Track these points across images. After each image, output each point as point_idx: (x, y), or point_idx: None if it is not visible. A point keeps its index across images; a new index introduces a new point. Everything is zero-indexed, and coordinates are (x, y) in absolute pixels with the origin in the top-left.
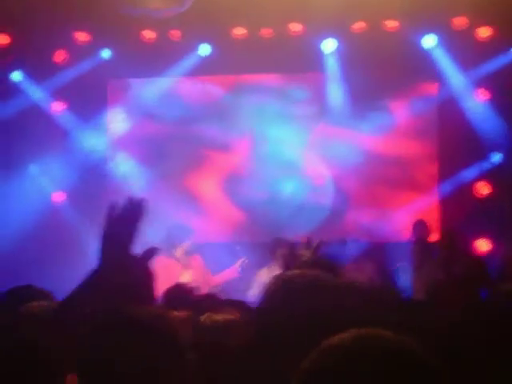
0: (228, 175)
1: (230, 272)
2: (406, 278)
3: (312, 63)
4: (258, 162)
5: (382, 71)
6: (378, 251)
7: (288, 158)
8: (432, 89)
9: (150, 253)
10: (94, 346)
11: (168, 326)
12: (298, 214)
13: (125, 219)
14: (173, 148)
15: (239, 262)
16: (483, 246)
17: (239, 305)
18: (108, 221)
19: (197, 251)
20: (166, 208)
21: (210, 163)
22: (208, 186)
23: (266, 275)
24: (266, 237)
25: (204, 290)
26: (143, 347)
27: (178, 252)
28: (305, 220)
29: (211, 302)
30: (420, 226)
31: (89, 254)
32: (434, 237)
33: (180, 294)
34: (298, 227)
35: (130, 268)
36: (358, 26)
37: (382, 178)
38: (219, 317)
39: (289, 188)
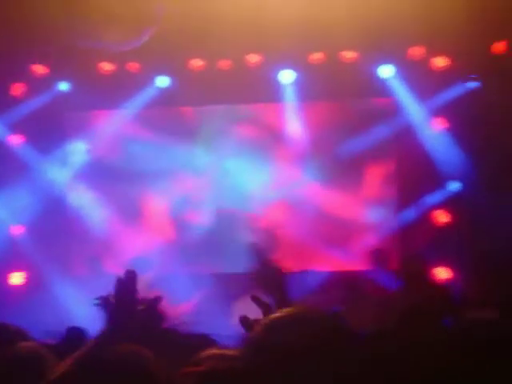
0: (185, 205)
1: (187, 306)
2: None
3: (270, 94)
4: (215, 193)
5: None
6: (340, 281)
7: (244, 191)
8: (389, 113)
9: (156, 301)
10: None
11: (144, 364)
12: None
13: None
14: (132, 180)
15: (196, 297)
16: (442, 273)
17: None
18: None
19: (157, 284)
20: (126, 241)
21: (168, 194)
22: (164, 218)
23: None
24: (222, 268)
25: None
26: None
27: (140, 286)
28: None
29: (177, 335)
30: (378, 255)
31: (48, 287)
32: (392, 265)
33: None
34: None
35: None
36: (316, 56)
37: (341, 209)
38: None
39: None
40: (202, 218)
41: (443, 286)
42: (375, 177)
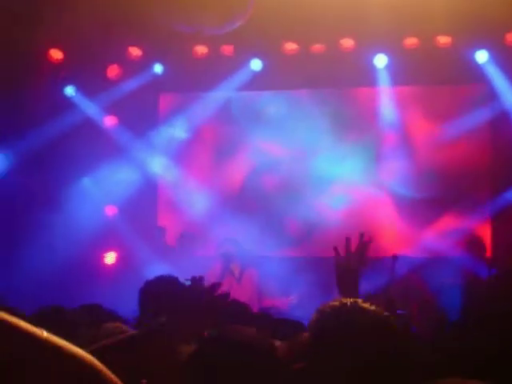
0: (282, 190)
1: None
2: (456, 295)
3: (363, 78)
4: (311, 178)
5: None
6: (429, 267)
7: (343, 173)
8: (485, 99)
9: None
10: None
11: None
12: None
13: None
14: (226, 162)
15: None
16: None
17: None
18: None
19: (253, 265)
20: (221, 222)
21: (264, 177)
22: (263, 199)
23: None
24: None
25: (254, 309)
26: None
27: (234, 265)
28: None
29: (267, 320)
30: (475, 243)
31: (139, 267)
32: (487, 254)
33: (237, 310)
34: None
35: None
36: (410, 41)
37: (435, 194)
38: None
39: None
40: (303, 204)
41: None
42: (469, 164)
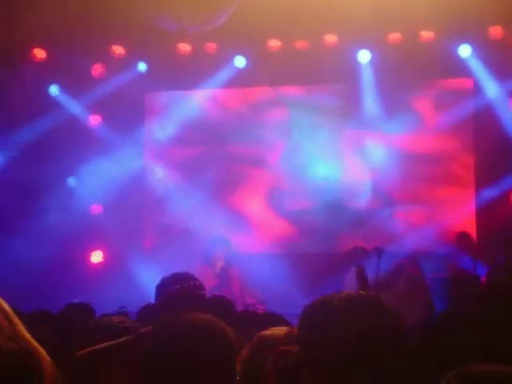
0: (266, 187)
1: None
2: (442, 290)
3: (347, 74)
4: (294, 173)
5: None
6: (415, 262)
7: (324, 167)
8: (468, 93)
9: None
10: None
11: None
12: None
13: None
14: (209, 160)
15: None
16: None
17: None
18: None
19: (237, 262)
20: (204, 222)
21: (247, 176)
22: (247, 199)
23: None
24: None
25: (238, 306)
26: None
27: (217, 264)
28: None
29: (252, 316)
30: (463, 238)
31: (126, 265)
32: (474, 249)
33: (221, 307)
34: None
35: None
36: (394, 36)
37: (419, 188)
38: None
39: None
40: (287, 200)
41: None
42: (453, 158)
